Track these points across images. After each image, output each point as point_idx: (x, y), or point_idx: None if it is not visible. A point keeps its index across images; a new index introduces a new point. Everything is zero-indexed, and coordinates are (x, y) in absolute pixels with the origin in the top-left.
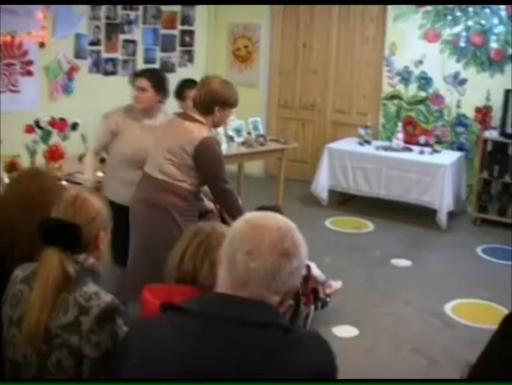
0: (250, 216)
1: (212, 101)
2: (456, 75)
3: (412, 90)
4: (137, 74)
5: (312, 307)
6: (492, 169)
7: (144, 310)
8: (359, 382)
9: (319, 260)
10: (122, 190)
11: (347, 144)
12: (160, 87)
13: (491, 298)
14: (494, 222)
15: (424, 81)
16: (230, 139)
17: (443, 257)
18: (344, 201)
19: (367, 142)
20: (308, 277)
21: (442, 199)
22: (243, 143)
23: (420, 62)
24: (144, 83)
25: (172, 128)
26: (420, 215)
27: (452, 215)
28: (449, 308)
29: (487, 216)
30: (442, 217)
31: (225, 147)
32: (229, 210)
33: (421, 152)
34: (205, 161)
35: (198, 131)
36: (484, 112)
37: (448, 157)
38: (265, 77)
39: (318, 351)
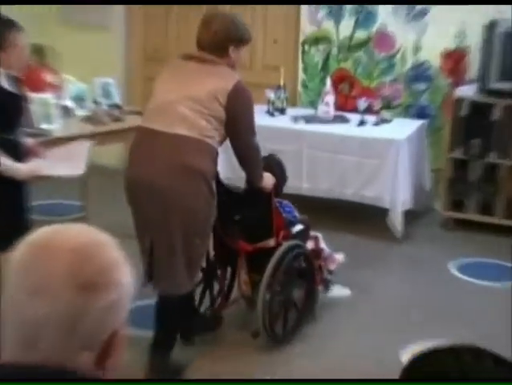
0: (37, 234)
1: (225, 40)
2: (411, 4)
3: (346, 28)
4: None
5: (320, 288)
6: (469, 145)
7: None
8: (360, 382)
9: None
10: None
11: None
12: None
13: (471, 340)
14: (474, 224)
15: (364, 14)
16: (66, 112)
17: (398, 280)
18: None
19: (280, 110)
20: (318, 251)
21: (395, 193)
22: (88, 119)
23: None
24: None
25: (189, 73)
26: (362, 218)
27: (411, 216)
28: (406, 358)
29: (463, 216)
30: (396, 220)
31: (58, 126)
32: (252, 174)
33: (361, 123)
34: (239, 110)
35: (228, 74)
36: (455, 58)
37: (402, 129)
38: (120, 13)
39: None
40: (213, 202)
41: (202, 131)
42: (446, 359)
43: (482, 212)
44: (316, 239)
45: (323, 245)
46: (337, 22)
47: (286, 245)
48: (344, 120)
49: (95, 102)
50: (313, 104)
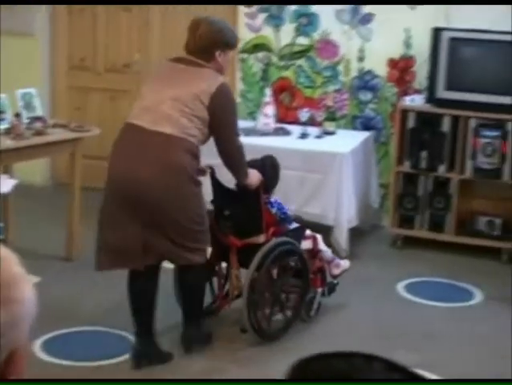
0: None
1: (211, 44)
2: (355, 9)
3: (286, 35)
4: None
5: (319, 290)
6: (417, 157)
7: None
8: (360, 382)
9: None
10: None
11: None
12: None
13: (419, 364)
14: (424, 242)
15: (306, 19)
16: None
17: (344, 300)
18: None
19: None
20: (315, 252)
21: (340, 209)
22: (7, 133)
23: None
24: None
25: (176, 75)
26: None
27: (357, 233)
28: None
29: (412, 233)
30: (341, 238)
31: None
32: (237, 172)
33: (304, 136)
34: (221, 111)
35: (212, 77)
36: (402, 67)
37: (347, 142)
38: (44, 19)
39: None
40: (198, 189)
41: (184, 130)
42: (336, 362)
43: (432, 229)
44: (314, 239)
45: (322, 246)
46: (277, 28)
47: (273, 241)
48: (285, 133)
49: (17, 114)
50: (252, 116)
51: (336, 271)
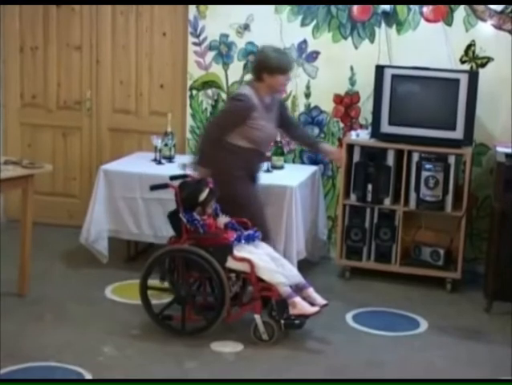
0: None
1: (259, 68)
2: (301, 46)
3: (235, 72)
4: None
5: (256, 316)
6: (364, 190)
7: None
8: (359, 382)
9: (96, 351)
10: None
11: (136, 164)
12: None
13: None
14: (372, 272)
15: (254, 57)
16: None
17: (291, 332)
18: (135, 255)
19: (168, 158)
20: (253, 277)
21: (289, 241)
22: None
23: (246, 27)
24: None
25: None
26: None
27: (306, 265)
28: None
29: (360, 265)
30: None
31: None
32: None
33: None
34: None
35: (240, 89)
36: (347, 103)
37: (295, 175)
38: None
39: None
40: None
41: None
42: None
43: (379, 260)
44: (250, 263)
45: (264, 275)
46: (226, 64)
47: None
48: None
49: None
50: None
51: (292, 311)
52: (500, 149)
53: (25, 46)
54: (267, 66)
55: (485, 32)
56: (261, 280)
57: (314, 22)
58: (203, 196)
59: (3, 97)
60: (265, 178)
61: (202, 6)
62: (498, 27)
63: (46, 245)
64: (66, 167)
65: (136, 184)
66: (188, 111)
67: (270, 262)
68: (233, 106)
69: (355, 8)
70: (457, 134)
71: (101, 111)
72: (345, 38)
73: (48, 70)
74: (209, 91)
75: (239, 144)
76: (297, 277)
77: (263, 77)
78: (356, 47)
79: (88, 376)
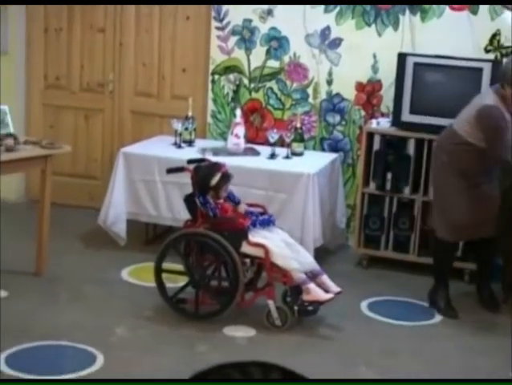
0: None
1: (499, 78)
2: (324, 33)
3: (257, 58)
4: None
5: (270, 302)
6: (383, 179)
7: None
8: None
9: (108, 332)
10: None
11: (156, 147)
12: None
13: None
14: (389, 262)
15: (276, 43)
16: None
17: (306, 320)
18: (154, 238)
19: (188, 142)
20: (267, 263)
21: (306, 228)
22: None
23: (269, 12)
24: None
25: None
26: None
27: (323, 253)
28: None
29: (377, 254)
30: None
31: None
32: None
33: (272, 156)
34: (483, 129)
35: (486, 100)
36: (369, 90)
37: (314, 162)
38: (20, 37)
39: None
40: None
41: None
42: (233, 372)
43: (397, 250)
44: (265, 249)
45: (278, 261)
46: (248, 50)
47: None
48: (255, 153)
49: None
50: (223, 136)
51: (306, 297)
52: None
53: (49, 28)
54: (504, 76)
55: (510, 21)
56: (275, 265)
57: (338, 9)
58: (215, 180)
59: (27, 78)
60: (283, 164)
61: None
62: None
63: (66, 225)
64: (87, 148)
65: (155, 167)
66: (210, 95)
67: (284, 248)
68: (494, 121)
69: None
70: None
71: (123, 93)
72: (369, 25)
73: (72, 52)
74: (231, 76)
75: None
76: (312, 263)
77: (503, 87)
78: (380, 35)
79: (100, 356)
